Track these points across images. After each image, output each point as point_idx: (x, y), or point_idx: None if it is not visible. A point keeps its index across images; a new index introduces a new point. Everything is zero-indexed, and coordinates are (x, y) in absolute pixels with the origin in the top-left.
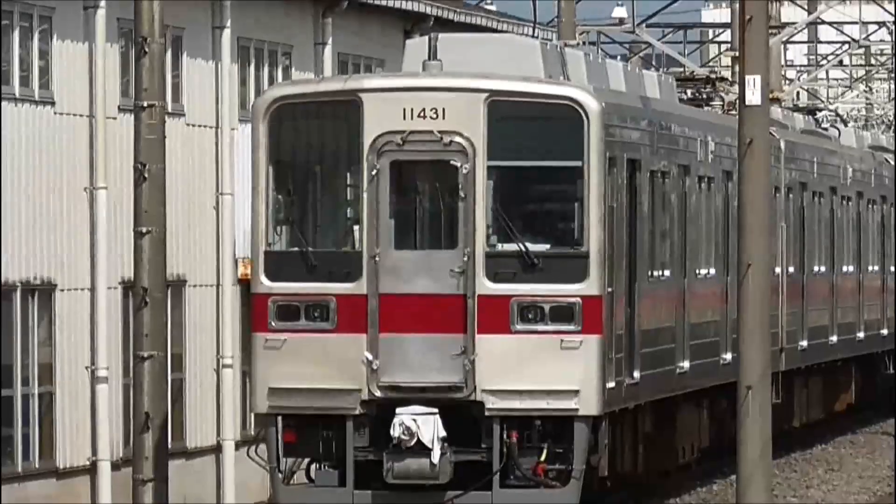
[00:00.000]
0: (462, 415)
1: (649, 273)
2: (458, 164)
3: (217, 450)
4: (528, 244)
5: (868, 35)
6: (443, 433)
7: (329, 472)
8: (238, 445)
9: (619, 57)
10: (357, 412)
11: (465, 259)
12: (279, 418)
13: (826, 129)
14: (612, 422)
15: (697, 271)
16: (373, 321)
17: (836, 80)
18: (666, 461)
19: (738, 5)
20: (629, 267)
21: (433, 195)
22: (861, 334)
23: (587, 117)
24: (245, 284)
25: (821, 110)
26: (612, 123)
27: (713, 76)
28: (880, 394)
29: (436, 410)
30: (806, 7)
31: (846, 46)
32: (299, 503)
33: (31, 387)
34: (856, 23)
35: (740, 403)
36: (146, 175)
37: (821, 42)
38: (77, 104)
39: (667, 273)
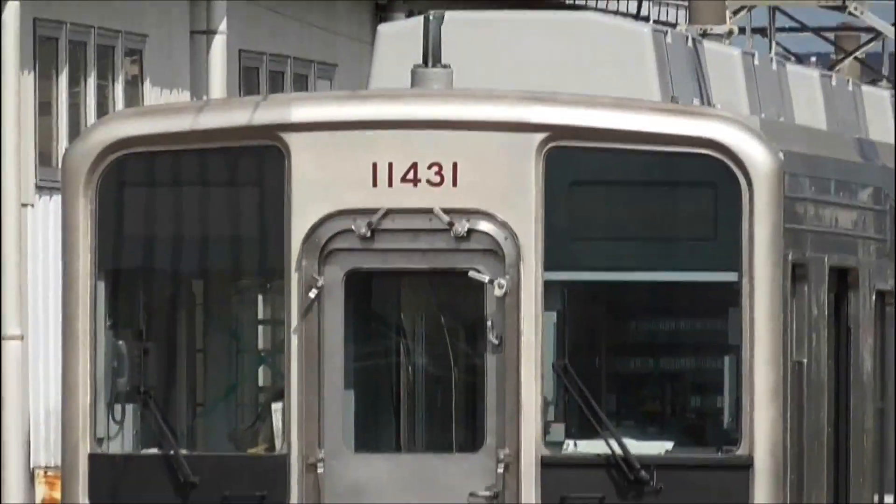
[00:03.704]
0: None
1: (875, 499)
2: (486, 280)
3: None
4: (629, 441)
5: None
6: None
7: None
8: None
9: (814, 60)
10: None
11: (501, 471)
12: None
13: None
14: None
15: None
16: None
17: None
18: None
19: None
20: (835, 487)
21: (433, 341)
22: None
23: (749, 183)
24: None
25: None
26: (799, 195)
27: None
28: None
29: None
30: None
31: None
32: None
33: None
34: None
35: None
36: None
37: None
38: None
39: None
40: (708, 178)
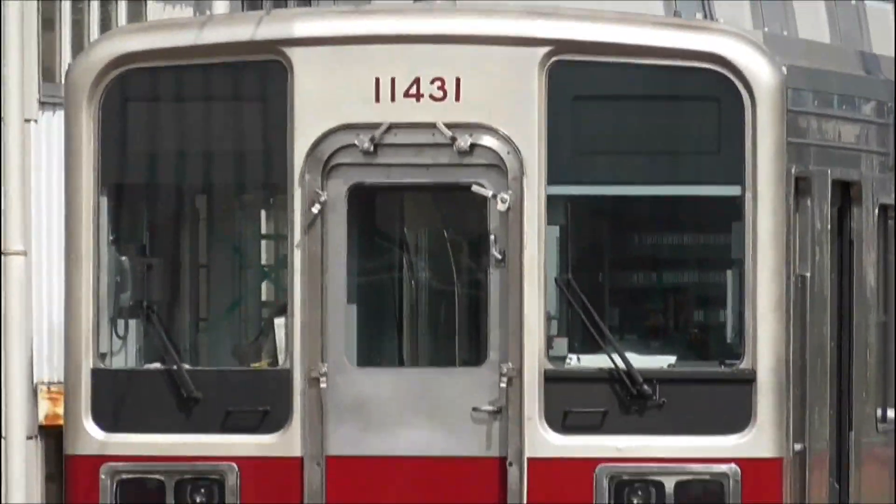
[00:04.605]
0: None
1: (878, 414)
2: (489, 194)
3: None
4: (632, 355)
5: None
6: None
7: None
8: None
9: None
10: None
11: (504, 386)
12: None
13: None
14: None
15: None
16: None
17: None
18: None
19: None
20: (838, 402)
21: (437, 255)
22: None
23: (752, 97)
24: (54, 436)
25: None
26: (802, 109)
27: None
28: None
29: None
30: None
31: None
32: None
33: None
34: None
35: None
36: None
37: None
38: None
39: None
40: (711, 92)
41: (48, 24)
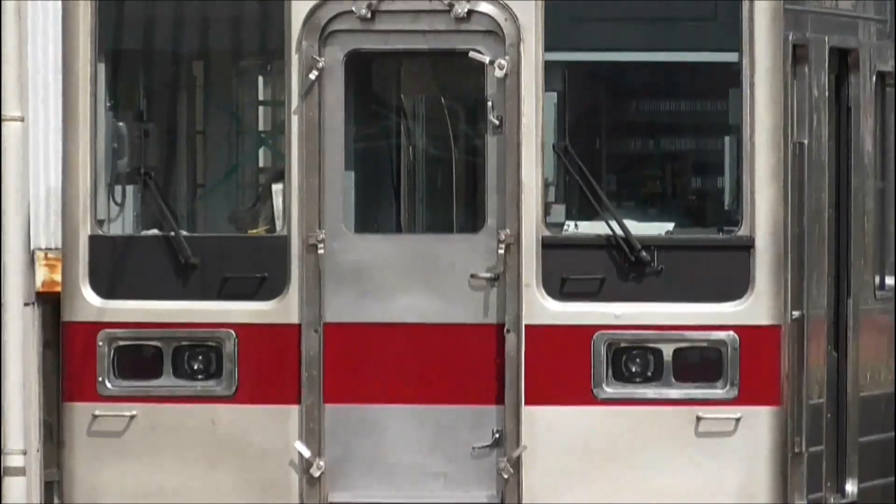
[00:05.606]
0: None
1: (876, 281)
2: (487, 60)
3: None
4: (629, 222)
5: None
6: None
7: None
8: None
9: None
10: None
11: (501, 252)
12: None
13: None
14: None
15: None
16: (311, 379)
17: None
18: None
19: None
20: (836, 269)
21: (434, 122)
22: None
23: None
24: (51, 302)
25: None
26: None
27: None
28: None
29: None
30: None
31: None
32: None
33: None
34: None
35: None
36: None
37: None
38: None
39: None
40: None
41: None
